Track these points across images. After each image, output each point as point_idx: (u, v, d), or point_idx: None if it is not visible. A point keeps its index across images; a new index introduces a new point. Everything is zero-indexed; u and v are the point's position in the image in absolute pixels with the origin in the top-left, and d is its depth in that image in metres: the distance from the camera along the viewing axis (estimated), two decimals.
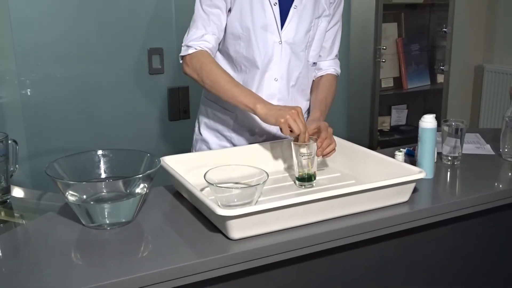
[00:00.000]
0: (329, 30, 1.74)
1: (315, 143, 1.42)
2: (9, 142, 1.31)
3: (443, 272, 1.45)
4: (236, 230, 1.08)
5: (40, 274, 0.98)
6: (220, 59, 1.68)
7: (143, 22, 2.54)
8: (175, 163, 1.39)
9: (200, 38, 1.57)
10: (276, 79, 1.65)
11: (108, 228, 1.16)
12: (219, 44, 1.65)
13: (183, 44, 1.60)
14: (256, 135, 1.73)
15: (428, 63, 3.53)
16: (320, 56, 1.77)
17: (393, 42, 3.40)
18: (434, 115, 1.47)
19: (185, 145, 2.72)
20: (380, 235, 1.23)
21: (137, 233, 1.15)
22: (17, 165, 1.36)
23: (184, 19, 2.58)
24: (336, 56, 1.82)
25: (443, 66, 3.40)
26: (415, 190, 1.34)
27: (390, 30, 3.39)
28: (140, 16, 2.52)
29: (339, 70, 1.82)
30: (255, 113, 1.47)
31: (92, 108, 2.50)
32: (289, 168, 1.56)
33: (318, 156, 1.44)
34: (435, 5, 3.44)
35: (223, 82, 1.52)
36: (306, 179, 1.41)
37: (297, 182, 1.43)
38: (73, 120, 2.46)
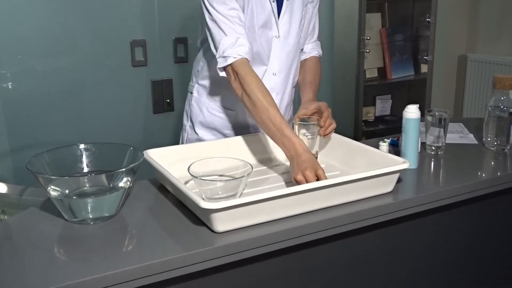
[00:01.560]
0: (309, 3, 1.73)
1: (317, 123, 1.42)
2: None
3: (428, 261, 1.46)
4: (221, 223, 1.08)
5: (22, 270, 0.97)
6: None
7: (126, 14, 2.51)
8: (158, 156, 1.38)
9: (234, 45, 1.47)
10: (274, 74, 1.66)
11: (92, 223, 1.15)
12: None
13: (217, 56, 1.49)
14: (258, 130, 1.71)
15: (412, 53, 3.54)
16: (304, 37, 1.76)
17: (377, 33, 3.41)
18: (418, 105, 1.48)
19: (169, 137, 2.71)
20: (365, 225, 1.24)
21: (120, 228, 1.14)
22: None
23: (167, 10, 2.56)
24: (317, 37, 1.82)
25: (426, 56, 3.41)
26: (399, 180, 1.34)
27: (374, 20, 3.39)
28: (122, 8, 2.49)
29: (321, 52, 1.83)
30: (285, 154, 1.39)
31: (74, 101, 2.47)
32: (273, 160, 1.56)
33: (320, 135, 1.45)
34: None
35: (264, 117, 1.41)
36: None
37: None
38: (55, 114, 2.43)
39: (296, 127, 1.43)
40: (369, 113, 3.54)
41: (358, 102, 3.22)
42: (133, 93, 2.61)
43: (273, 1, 1.57)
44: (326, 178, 1.26)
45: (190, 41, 2.64)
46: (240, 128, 1.73)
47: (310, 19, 1.73)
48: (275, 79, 1.66)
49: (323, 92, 3.19)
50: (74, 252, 1.04)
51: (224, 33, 1.48)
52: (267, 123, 1.40)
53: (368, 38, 3.18)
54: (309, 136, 1.41)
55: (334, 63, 3.23)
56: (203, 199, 1.12)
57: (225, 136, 1.73)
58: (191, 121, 1.78)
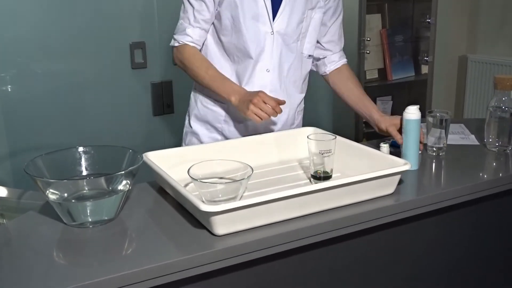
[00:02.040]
0: (334, 22, 1.76)
1: (335, 139, 1.38)
2: None
3: (429, 263, 1.45)
4: (221, 226, 1.07)
5: (21, 274, 0.96)
6: (215, 49, 1.68)
7: (125, 16, 2.51)
8: (158, 158, 1.37)
9: (183, 32, 1.63)
10: (268, 70, 1.66)
11: (91, 226, 1.14)
12: (216, 34, 1.66)
13: (173, 35, 1.67)
14: (248, 126, 1.72)
15: (412, 54, 3.53)
16: (330, 50, 1.80)
17: (377, 34, 3.40)
18: (418, 106, 1.47)
19: (169, 140, 2.71)
20: (366, 227, 1.23)
21: (120, 231, 1.14)
22: None
23: (166, 12, 2.56)
24: (342, 46, 1.86)
25: (427, 57, 3.40)
26: (400, 182, 1.33)
27: (374, 21, 3.39)
28: (122, 10, 2.49)
29: (346, 59, 1.86)
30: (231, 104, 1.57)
31: (74, 104, 2.47)
32: (274, 162, 1.55)
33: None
34: None
35: (203, 75, 1.60)
36: (322, 178, 1.37)
37: (312, 180, 1.40)
38: (54, 117, 2.43)
39: (312, 143, 1.37)
40: None
41: None
42: (133, 95, 2.60)
43: None
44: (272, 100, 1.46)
45: None
46: (231, 122, 1.73)
47: (318, 25, 1.71)
48: (269, 76, 1.66)
49: (323, 93, 3.18)
50: (73, 256, 1.03)
51: (183, 18, 1.64)
52: (209, 78, 1.60)
53: (368, 39, 3.18)
54: (325, 154, 1.35)
55: None
56: (203, 201, 1.11)
57: (216, 129, 1.74)
58: (189, 114, 1.81)
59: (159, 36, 2.59)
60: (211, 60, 1.68)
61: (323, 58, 1.81)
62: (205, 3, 1.59)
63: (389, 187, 1.29)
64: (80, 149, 1.27)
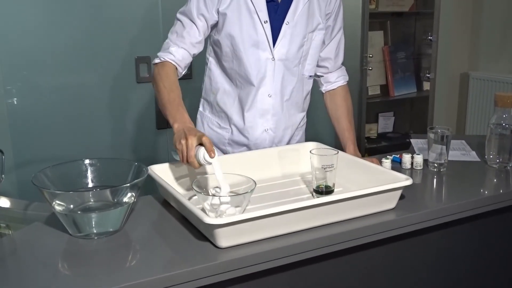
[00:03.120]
0: (332, 40, 1.76)
1: (337, 154, 1.39)
2: None
3: (430, 278, 1.45)
4: (224, 239, 1.08)
5: (26, 285, 0.97)
6: (219, 73, 1.69)
7: (130, 31, 2.54)
8: (162, 171, 1.38)
9: (166, 50, 1.60)
10: (270, 95, 1.67)
11: (96, 238, 1.15)
12: (218, 60, 1.67)
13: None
14: (252, 149, 1.72)
15: (414, 71, 3.56)
16: (326, 67, 1.79)
17: (379, 50, 3.43)
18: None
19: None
20: (368, 242, 1.24)
21: (124, 243, 1.15)
22: (3, 175, 1.35)
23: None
24: (341, 64, 1.84)
25: (429, 74, 3.43)
26: (401, 197, 1.35)
27: (376, 38, 3.42)
28: (127, 25, 2.52)
29: (347, 77, 1.85)
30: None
31: (79, 117, 2.49)
32: (277, 176, 1.57)
33: None
34: (420, 13, 3.48)
35: (163, 95, 1.52)
36: (324, 192, 1.39)
37: (314, 194, 1.41)
38: (60, 129, 2.45)
39: (314, 158, 1.38)
40: (372, 130, 3.55)
41: (361, 119, 3.23)
42: (138, 109, 2.62)
43: (265, 22, 1.58)
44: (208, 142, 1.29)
45: (194, 58, 2.67)
46: (235, 146, 1.74)
47: (319, 46, 1.72)
48: (271, 101, 1.67)
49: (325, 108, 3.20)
50: (78, 267, 1.04)
51: (170, 37, 1.62)
52: (165, 95, 1.51)
53: (371, 55, 3.21)
54: (328, 169, 1.37)
55: None
56: (206, 214, 1.12)
57: (222, 151, 1.75)
58: (201, 120, 1.81)
59: None
60: (215, 84, 1.70)
61: (321, 76, 1.82)
62: (197, 27, 1.59)
63: (391, 202, 1.30)
64: (86, 161, 1.28)
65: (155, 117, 2.67)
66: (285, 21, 1.61)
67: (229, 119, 1.71)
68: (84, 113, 2.50)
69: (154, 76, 1.59)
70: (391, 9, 3.41)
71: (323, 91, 1.83)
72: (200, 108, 1.81)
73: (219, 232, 1.07)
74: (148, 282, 0.98)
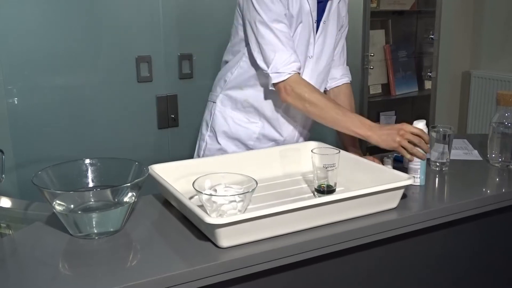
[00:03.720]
0: (341, 37, 1.79)
1: (339, 154, 1.39)
2: None
3: (432, 278, 1.45)
4: (225, 238, 1.08)
5: (27, 285, 0.97)
6: (252, 77, 1.66)
7: (131, 30, 2.53)
8: (163, 171, 1.38)
9: (287, 61, 1.52)
10: None
11: (96, 238, 1.15)
12: (255, 65, 1.62)
13: (270, 72, 1.53)
14: (279, 144, 1.73)
15: (416, 70, 3.55)
16: (333, 60, 1.79)
17: (380, 49, 3.43)
18: (425, 121, 1.48)
19: (174, 153, 2.72)
20: (369, 241, 1.23)
21: (125, 243, 1.14)
22: (3, 175, 1.35)
23: (171, 26, 2.59)
24: (345, 61, 1.85)
25: (430, 73, 3.42)
26: (403, 196, 1.34)
27: (378, 37, 3.42)
28: (127, 24, 2.52)
29: (351, 77, 1.86)
30: (368, 141, 1.48)
31: (79, 117, 2.49)
32: (278, 175, 1.56)
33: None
34: (422, 12, 3.47)
35: (331, 113, 1.50)
36: (326, 192, 1.38)
37: (316, 193, 1.41)
38: (60, 129, 2.45)
39: (316, 157, 1.38)
40: None
41: None
42: (138, 108, 2.62)
43: (315, 22, 1.61)
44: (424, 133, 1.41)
45: (195, 57, 2.66)
46: (264, 140, 1.73)
47: (338, 43, 1.76)
48: None
49: None
50: (79, 267, 1.04)
51: (275, 49, 1.52)
52: (341, 118, 1.50)
53: (372, 54, 3.20)
54: (329, 168, 1.36)
55: None
56: (207, 214, 1.12)
57: (247, 147, 1.74)
58: (213, 131, 1.77)
59: (164, 50, 2.61)
60: (246, 81, 1.67)
61: None
62: (285, 25, 1.54)
63: (393, 201, 1.30)
64: (87, 161, 1.28)
65: (156, 117, 2.66)
66: (323, 20, 1.64)
67: (259, 114, 1.70)
68: (84, 113, 2.49)
69: (293, 95, 1.51)
70: (393, 8, 3.40)
71: (327, 88, 1.82)
72: (219, 104, 1.75)
73: (220, 232, 1.07)
74: (148, 282, 0.98)
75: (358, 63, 3.14)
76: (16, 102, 2.35)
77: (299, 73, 1.54)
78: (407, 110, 3.62)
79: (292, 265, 1.15)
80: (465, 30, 3.83)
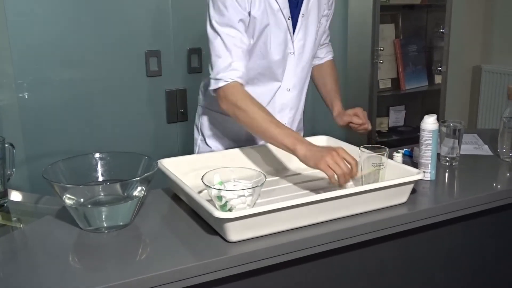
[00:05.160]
0: (326, 21, 1.74)
1: (387, 153, 1.35)
2: (6, 145, 1.30)
3: (442, 273, 1.45)
4: (234, 233, 1.08)
5: (37, 278, 0.98)
6: None
7: (140, 25, 2.54)
8: (172, 165, 1.38)
9: (228, 68, 1.45)
10: (288, 89, 1.66)
11: (106, 231, 1.16)
12: None
13: (211, 77, 1.49)
14: (261, 144, 1.68)
15: (426, 64, 3.53)
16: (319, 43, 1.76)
17: (390, 43, 3.41)
18: (435, 116, 1.47)
19: (183, 147, 2.72)
20: (379, 236, 1.23)
21: (135, 236, 1.15)
22: (14, 169, 1.36)
23: (181, 21, 2.59)
24: (328, 38, 1.85)
25: (440, 67, 3.40)
26: (413, 191, 1.34)
27: (388, 31, 3.39)
28: (137, 19, 2.52)
29: (333, 53, 1.88)
30: (294, 154, 1.35)
31: (89, 111, 2.50)
32: (287, 169, 1.56)
33: (355, 129, 1.66)
34: (432, 5, 3.44)
35: (260, 122, 1.40)
36: None
37: None
38: (70, 123, 2.46)
39: (363, 156, 1.35)
40: (383, 124, 3.53)
41: (372, 113, 3.21)
42: (148, 102, 2.63)
43: (289, 19, 1.56)
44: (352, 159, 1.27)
45: (204, 52, 2.67)
46: (252, 141, 1.72)
47: (323, 32, 1.74)
48: (289, 94, 1.66)
49: None
50: (88, 261, 1.05)
51: (219, 55, 1.46)
52: (272, 129, 1.38)
53: (382, 48, 3.18)
54: (377, 167, 1.34)
55: (348, 74, 3.24)
56: (216, 208, 1.12)
57: (237, 144, 1.73)
58: (203, 134, 1.78)
59: (173, 45, 2.62)
60: None
61: None
62: (239, 31, 1.47)
63: (402, 196, 1.29)
64: (97, 155, 1.29)
65: (165, 111, 2.67)
66: (301, 14, 1.59)
67: None
68: (94, 107, 2.51)
69: (232, 102, 1.44)
70: (403, 2, 3.38)
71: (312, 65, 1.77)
72: (205, 107, 1.77)
73: (229, 226, 1.07)
74: (158, 276, 0.98)
75: (367, 58, 3.13)
76: (26, 97, 2.37)
77: (239, 83, 1.46)
78: (417, 105, 3.60)
79: (300, 260, 1.15)
80: (476, 24, 3.80)
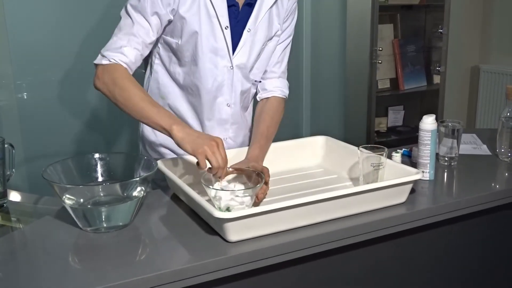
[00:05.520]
0: (279, 44, 1.62)
1: (386, 153, 1.35)
2: (6, 146, 1.31)
3: (441, 273, 1.45)
4: (234, 233, 1.08)
5: (37, 278, 0.98)
6: (167, 78, 1.56)
7: None
8: (172, 165, 1.38)
9: (117, 50, 1.39)
10: (228, 105, 1.57)
11: (106, 232, 1.16)
12: (171, 67, 1.53)
13: (100, 51, 1.42)
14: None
15: (424, 64, 3.53)
16: (266, 71, 1.63)
17: (389, 43, 3.41)
18: (434, 116, 1.47)
19: None
20: (378, 236, 1.23)
21: (134, 236, 1.15)
22: (13, 169, 1.36)
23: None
24: (283, 74, 1.67)
25: (439, 67, 3.40)
26: (412, 191, 1.34)
27: (386, 31, 3.40)
28: None
29: (287, 92, 1.68)
30: (170, 136, 1.29)
31: (88, 111, 2.50)
32: (286, 170, 1.56)
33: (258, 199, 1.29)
34: (431, 6, 3.45)
35: (137, 100, 1.34)
36: None
37: None
38: (69, 124, 2.46)
39: (362, 156, 1.36)
40: (382, 124, 3.53)
41: (371, 113, 3.22)
42: None
43: (226, 28, 1.46)
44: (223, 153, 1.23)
45: None
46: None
47: (271, 52, 1.60)
48: (230, 110, 1.58)
49: (335, 103, 3.19)
50: (88, 261, 1.05)
51: (118, 35, 1.41)
52: (148, 109, 1.32)
53: (380, 49, 3.18)
54: (376, 167, 1.34)
55: (346, 74, 3.24)
56: (216, 208, 1.12)
57: (178, 155, 1.56)
58: (143, 143, 1.68)
59: None
60: (164, 88, 1.56)
61: (259, 82, 1.65)
62: (150, 26, 1.41)
63: (401, 196, 1.30)
64: (96, 155, 1.29)
65: None
66: (247, 28, 1.49)
67: (186, 122, 1.56)
68: (93, 107, 2.51)
69: (111, 78, 1.37)
70: (401, 2, 3.38)
71: (258, 99, 1.66)
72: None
73: (228, 226, 1.07)
74: (157, 276, 0.98)
75: (366, 58, 3.13)
76: (25, 97, 2.37)
77: (123, 66, 1.38)
78: (416, 105, 3.60)
79: (300, 260, 1.15)
80: (475, 24, 3.81)
